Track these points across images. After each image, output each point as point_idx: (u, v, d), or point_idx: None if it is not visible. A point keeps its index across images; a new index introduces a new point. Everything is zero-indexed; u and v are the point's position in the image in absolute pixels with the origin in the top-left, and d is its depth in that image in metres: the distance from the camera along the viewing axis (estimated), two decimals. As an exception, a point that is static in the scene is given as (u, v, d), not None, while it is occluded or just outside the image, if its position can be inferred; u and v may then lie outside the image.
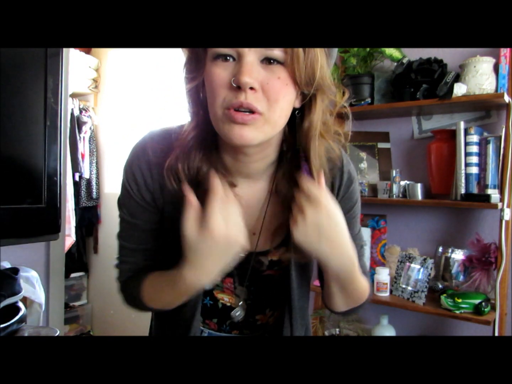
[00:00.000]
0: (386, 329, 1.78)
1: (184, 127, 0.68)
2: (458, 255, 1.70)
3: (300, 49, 0.62)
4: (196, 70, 0.64)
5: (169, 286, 0.68)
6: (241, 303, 0.85)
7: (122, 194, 0.76)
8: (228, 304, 0.87)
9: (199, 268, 0.61)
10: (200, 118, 0.67)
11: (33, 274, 1.19)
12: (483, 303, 1.51)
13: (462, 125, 1.63)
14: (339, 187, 0.77)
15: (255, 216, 0.75)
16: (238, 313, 0.85)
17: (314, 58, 0.63)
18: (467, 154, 1.62)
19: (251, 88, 0.58)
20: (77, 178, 2.92)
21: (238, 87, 0.58)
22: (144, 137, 0.74)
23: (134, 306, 0.82)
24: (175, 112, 2.78)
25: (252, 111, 0.58)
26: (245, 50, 0.60)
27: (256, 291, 0.85)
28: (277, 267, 0.80)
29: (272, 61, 0.61)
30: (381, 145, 1.95)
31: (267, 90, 0.59)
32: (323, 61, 0.65)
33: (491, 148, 1.59)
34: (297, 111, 0.66)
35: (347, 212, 0.77)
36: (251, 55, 0.60)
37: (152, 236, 0.76)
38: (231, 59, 0.61)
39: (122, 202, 0.76)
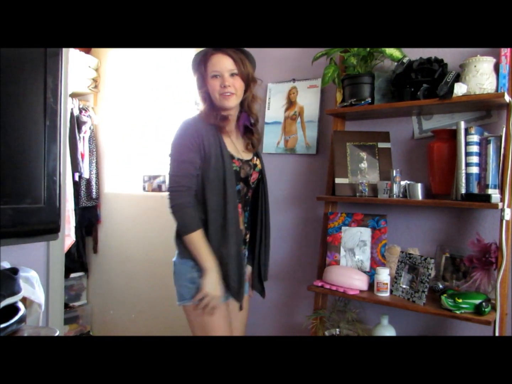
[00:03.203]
0: (386, 329, 1.77)
1: (204, 107, 1.52)
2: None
3: (242, 68, 1.47)
4: (204, 83, 1.51)
5: (197, 254, 1.45)
6: (243, 225, 1.59)
7: (181, 150, 1.46)
8: (240, 227, 1.55)
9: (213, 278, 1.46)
10: (208, 100, 1.50)
11: (33, 274, 1.18)
12: (484, 303, 1.51)
13: (462, 125, 1.63)
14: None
15: (238, 138, 1.61)
16: (244, 233, 1.60)
17: (248, 70, 1.50)
18: (467, 154, 1.61)
19: (228, 86, 1.46)
20: (76, 178, 2.92)
21: (224, 86, 1.46)
22: (186, 120, 1.52)
23: (180, 226, 1.48)
24: (174, 112, 2.78)
25: (231, 93, 1.47)
26: (223, 71, 1.46)
27: (247, 215, 1.62)
28: (258, 171, 1.61)
29: (233, 74, 1.47)
30: (381, 145, 1.94)
31: (233, 85, 1.47)
32: (250, 69, 1.52)
33: (491, 148, 1.59)
34: (244, 91, 1.52)
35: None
36: (226, 73, 1.46)
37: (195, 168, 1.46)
38: (218, 76, 1.47)
39: (183, 152, 1.47)
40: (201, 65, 1.49)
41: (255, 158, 1.62)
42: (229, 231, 1.46)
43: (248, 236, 1.64)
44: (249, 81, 1.52)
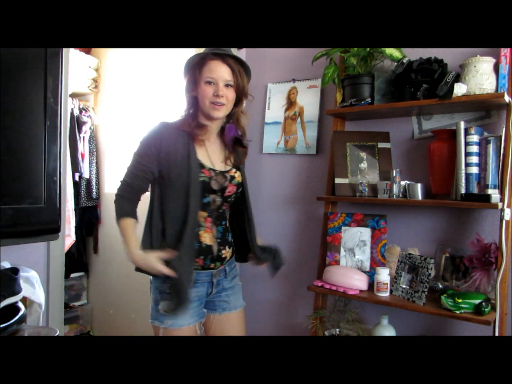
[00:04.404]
0: (386, 329, 1.78)
1: (186, 111, 1.49)
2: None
3: (239, 80, 1.42)
4: (195, 87, 1.45)
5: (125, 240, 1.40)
6: (214, 241, 1.46)
7: (143, 151, 1.42)
8: (209, 243, 1.45)
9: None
10: (194, 106, 1.47)
11: (33, 274, 1.18)
12: (483, 303, 1.51)
13: (462, 125, 1.63)
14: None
15: (217, 149, 1.53)
16: (215, 249, 1.47)
17: (244, 83, 1.44)
18: (467, 154, 1.61)
19: (221, 96, 1.40)
20: (77, 178, 2.91)
21: (217, 95, 1.40)
22: (161, 123, 1.46)
23: (115, 212, 1.43)
24: (174, 112, 2.78)
25: (222, 104, 1.41)
26: (219, 79, 1.40)
27: (221, 230, 1.49)
28: (235, 184, 1.50)
29: (228, 85, 1.41)
30: (381, 145, 1.95)
31: (226, 96, 1.41)
32: (246, 82, 1.46)
33: (491, 148, 1.59)
34: (235, 104, 1.47)
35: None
36: (221, 82, 1.40)
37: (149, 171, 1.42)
38: (213, 83, 1.40)
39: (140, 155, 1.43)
40: (196, 67, 1.43)
41: (233, 170, 1.50)
42: (184, 242, 1.36)
43: (224, 252, 1.49)
44: (241, 94, 1.46)
